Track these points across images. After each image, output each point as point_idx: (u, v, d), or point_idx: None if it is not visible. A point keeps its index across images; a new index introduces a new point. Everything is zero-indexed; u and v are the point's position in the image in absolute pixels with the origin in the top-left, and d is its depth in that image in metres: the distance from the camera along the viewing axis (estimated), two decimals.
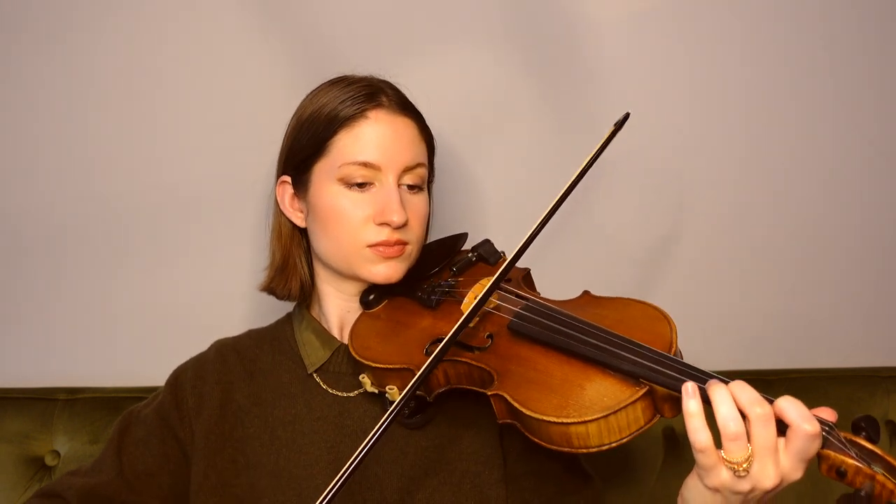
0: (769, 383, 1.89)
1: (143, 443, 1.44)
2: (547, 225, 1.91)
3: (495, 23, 1.86)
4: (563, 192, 1.30)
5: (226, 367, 1.50)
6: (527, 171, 1.93)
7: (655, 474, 1.83)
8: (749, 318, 2.01)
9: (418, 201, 1.45)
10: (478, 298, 1.25)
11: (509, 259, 1.29)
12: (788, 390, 1.82)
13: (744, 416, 1.02)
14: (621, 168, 1.93)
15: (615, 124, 1.37)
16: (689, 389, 1.04)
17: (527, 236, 1.29)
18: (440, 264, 1.54)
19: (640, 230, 1.96)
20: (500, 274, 1.28)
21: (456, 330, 1.22)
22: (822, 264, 1.99)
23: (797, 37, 1.90)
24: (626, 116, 1.37)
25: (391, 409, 1.16)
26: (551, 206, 1.30)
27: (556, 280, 1.88)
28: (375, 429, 1.13)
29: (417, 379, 1.18)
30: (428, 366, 1.19)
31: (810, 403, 1.83)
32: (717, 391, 1.04)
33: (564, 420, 1.10)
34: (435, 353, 1.21)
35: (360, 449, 1.13)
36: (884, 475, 0.99)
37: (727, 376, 1.85)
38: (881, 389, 1.89)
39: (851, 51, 1.91)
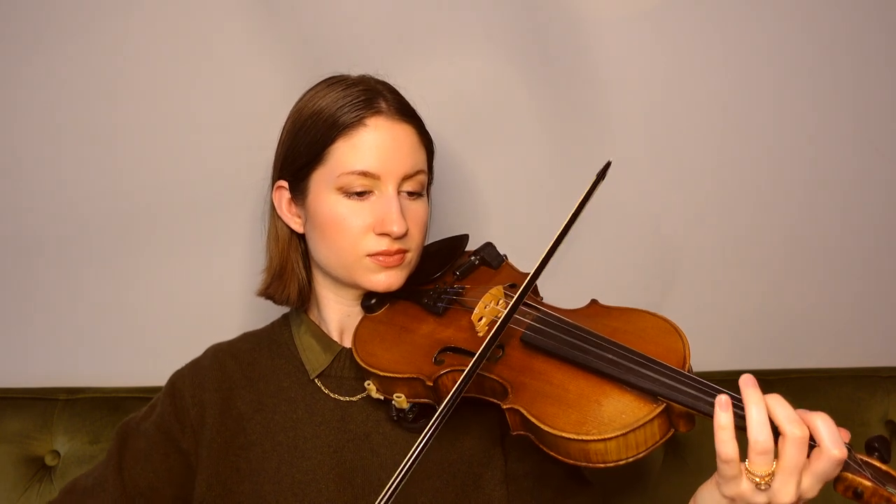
0: (769, 383, 1.86)
1: (144, 457, 1.41)
2: (551, 227, 1.93)
3: (495, 24, 1.85)
4: (552, 242, 1.30)
5: (224, 373, 1.48)
6: (527, 172, 1.93)
7: (656, 475, 1.83)
8: (749, 318, 2.01)
9: (418, 207, 1.44)
10: (497, 325, 1.23)
11: (521, 289, 1.28)
12: (789, 390, 1.86)
13: (777, 431, 1.03)
14: (624, 168, 1.92)
15: (597, 174, 1.35)
16: (723, 401, 1.06)
17: (532, 271, 1.30)
18: (442, 268, 1.53)
19: (642, 231, 1.96)
20: (517, 299, 1.26)
21: (478, 359, 1.20)
22: (822, 264, 2.00)
23: (799, 36, 1.91)
24: (608, 165, 1.36)
25: (422, 440, 1.13)
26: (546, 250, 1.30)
27: (557, 281, 1.89)
28: (410, 456, 1.12)
29: (443, 411, 1.15)
30: (451, 399, 1.16)
31: (810, 403, 1.83)
32: (754, 402, 1.05)
33: (584, 437, 1.10)
34: (457, 384, 1.18)
35: (399, 471, 1.12)
36: None
37: (727, 376, 1.86)
38: (881, 389, 1.90)
39: (852, 51, 1.92)
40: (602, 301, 1.39)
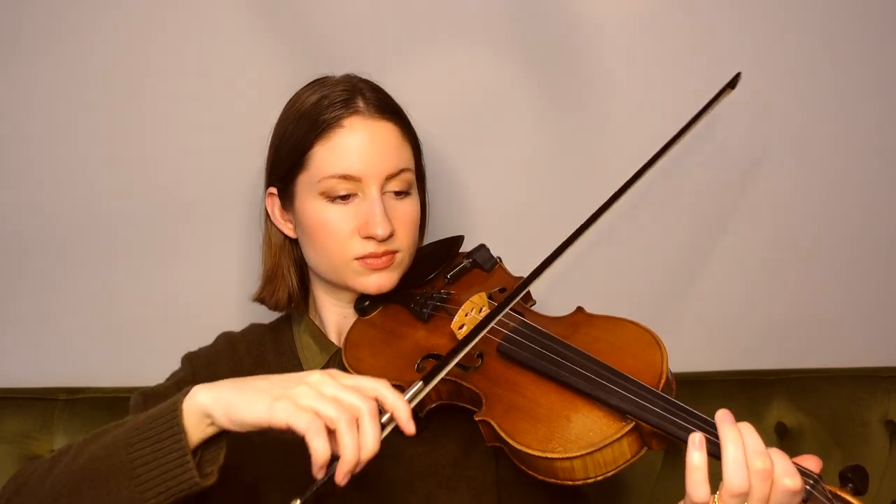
0: (769, 383, 1.88)
1: None
2: (547, 228, 1.92)
3: (491, 24, 1.84)
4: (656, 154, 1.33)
5: (237, 356, 1.50)
6: (522, 174, 1.92)
7: (655, 475, 1.82)
8: (749, 318, 2.00)
9: (406, 207, 1.42)
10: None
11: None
12: (788, 390, 1.86)
13: None
14: (622, 168, 1.90)
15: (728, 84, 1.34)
16: (697, 441, 1.02)
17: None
18: (435, 270, 1.52)
19: (640, 231, 1.95)
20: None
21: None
22: (822, 264, 1.98)
23: (800, 37, 1.88)
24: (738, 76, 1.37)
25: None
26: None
27: (553, 279, 1.88)
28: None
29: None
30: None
31: (810, 403, 1.85)
32: (731, 439, 1.01)
33: (549, 455, 1.10)
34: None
35: None
36: None
37: (727, 376, 1.89)
38: (881, 389, 1.88)
39: (854, 51, 1.89)
40: (595, 304, 1.37)
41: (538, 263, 1.30)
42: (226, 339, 1.55)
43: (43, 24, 1.79)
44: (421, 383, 1.15)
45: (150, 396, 1.43)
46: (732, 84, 1.33)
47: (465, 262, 1.53)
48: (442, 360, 1.18)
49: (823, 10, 1.87)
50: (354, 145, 1.36)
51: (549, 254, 1.30)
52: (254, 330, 1.58)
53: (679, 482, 1.76)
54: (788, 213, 1.95)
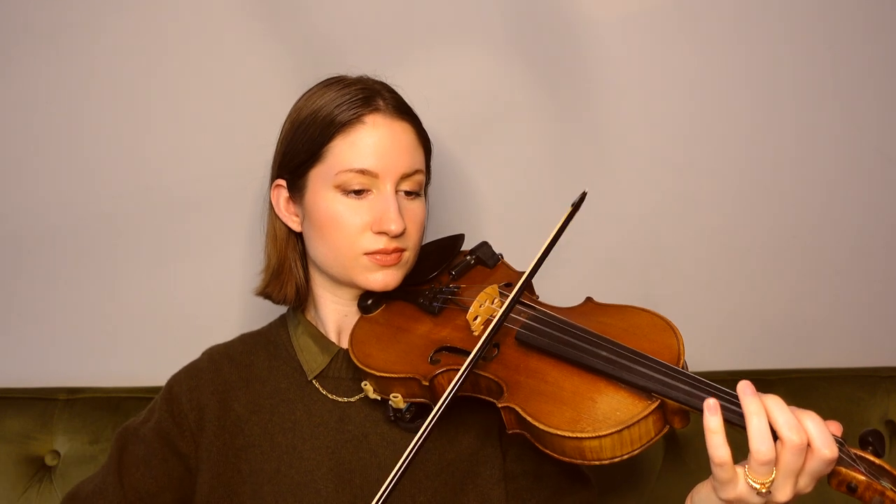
0: (769, 383, 1.89)
1: (143, 462, 1.41)
2: (548, 227, 1.93)
3: (494, 24, 1.85)
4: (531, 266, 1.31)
5: (220, 375, 1.48)
6: (524, 172, 1.93)
7: (655, 475, 1.83)
8: (750, 318, 2.01)
9: (416, 207, 1.44)
10: (492, 325, 1.24)
11: (516, 289, 1.28)
12: (788, 390, 1.87)
13: (775, 435, 1.02)
14: (622, 168, 1.92)
15: (572, 205, 1.35)
16: (712, 405, 1.03)
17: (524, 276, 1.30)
18: (438, 268, 1.53)
19: (641, 232, 1.96)
20: (512, 300, 1.27)
21: (473, 358, 1.20)
22: (822, 265, 2.00)
23: (800, 37, 1.90)
24: (583, 196, 1.36)
25: (416, 438, 1.14)
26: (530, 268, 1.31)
27: (552, 280, 1.89)
28: (405, 457, 1.13)
29: (440, 407, 1.16)
30: (446, 397, 1.17)
31: (810, 403, 1.82)
32: (755, 412, 1.02)
33: (579, 435, 1.09)
34: (453, 382, 1.19)
35: (393, 473, 1.13)
36: (892, 490, 1.01)
37: (729, 376, 1.87)
38: (881, 389, 1.89)
39: (854, 52, 1.91)
40: (598, 300, 1.38)
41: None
42: (209, 357, 1.52)
43: (44, 24, 1.79)
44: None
45: (132, 440, 1.44)
46: (577, 206, 1.36)
47: (469, 259, 1.54)
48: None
49: (825, 9, 1.90)
50: (374, 142, 1.38)
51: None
52: (243, 340, 1.56)
53: (679, 482, 1.79)
54: (788, 214, 1.97)
